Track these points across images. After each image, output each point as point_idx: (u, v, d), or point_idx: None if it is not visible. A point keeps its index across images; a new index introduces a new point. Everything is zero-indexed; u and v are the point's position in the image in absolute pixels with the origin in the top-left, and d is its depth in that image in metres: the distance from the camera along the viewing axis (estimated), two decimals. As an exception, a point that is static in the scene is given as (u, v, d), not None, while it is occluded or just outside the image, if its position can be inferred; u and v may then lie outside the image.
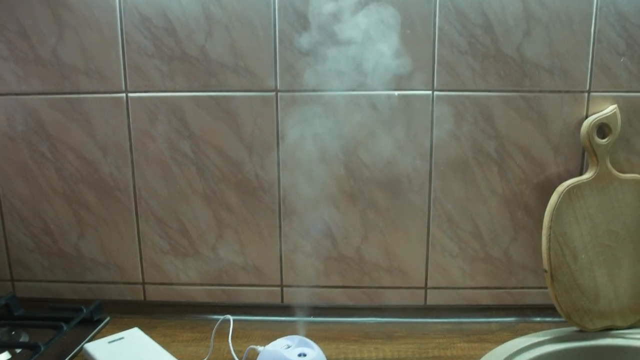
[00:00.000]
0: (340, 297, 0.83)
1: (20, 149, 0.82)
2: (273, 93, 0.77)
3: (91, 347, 0.69)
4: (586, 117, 0.76)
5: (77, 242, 0.85)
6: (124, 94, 0.79)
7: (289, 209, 0.80)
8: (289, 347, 0.52)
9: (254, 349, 0.57)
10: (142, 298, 0.87)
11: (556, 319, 0.79)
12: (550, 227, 0.73)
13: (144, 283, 0.86)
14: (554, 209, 0.73)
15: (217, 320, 0.70)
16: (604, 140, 0.75)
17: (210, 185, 0.81)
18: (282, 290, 0.84)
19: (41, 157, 0.82)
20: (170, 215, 0.82)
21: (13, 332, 0.77)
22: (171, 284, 0.85)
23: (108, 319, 0.82)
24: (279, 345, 0.53)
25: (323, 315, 0.82)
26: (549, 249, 0.73)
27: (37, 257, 0.86)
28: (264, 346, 0.54)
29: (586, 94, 0.75)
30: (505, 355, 0.69)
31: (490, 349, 0.71)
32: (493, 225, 0.80)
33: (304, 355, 0.51)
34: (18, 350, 0.71)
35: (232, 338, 0.67)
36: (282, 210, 0.80)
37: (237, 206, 0.81)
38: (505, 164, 0.78)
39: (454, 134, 0.77)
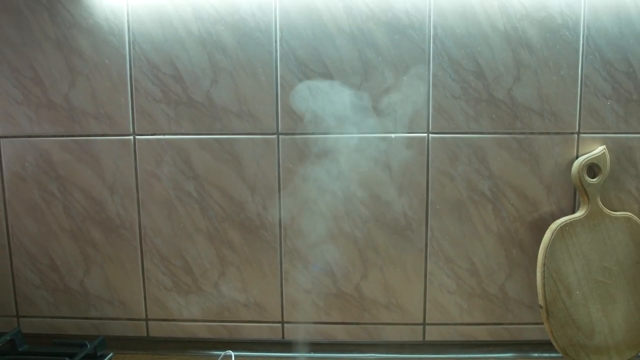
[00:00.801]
0: (340, 333, 0.90)
1: (31, 188, 0.90)
2: (275, 136, 0.85)
3: (96, 383, 0.75)
4: (576, 157, 0.83)
5: (83, 278, 0.92)
6: (131, 137, 0.87)
7: (290, 248, 0.87)
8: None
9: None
10: (145, 334, 0.93)
11: (553, 354, 0.85)
12: (544, 264, 0.80)
13: (147, 319, 0.92)
14: (548, 246, 0.80)
15: (219, 356, 0.76)
16: (594, 180, 0.82)
17: (213, 224, 0.88)
18: (282, 326, 0.90)
19: (50, 196, 0.90)
20: (174, 253, 0.89)
21: (18, 368, 0.83)
22: (174, 320, 0.92)
23: (111, 354, 0.88)
24: (280, 380, 0.59)
25: (323, 351, 0.88)
26: (543, 285, 0.79)
27: (43, 293, 0.93)
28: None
29: (576, 136, 0.83)
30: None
31: (489, 388, 0.77)
32: (489, 262, 0.87)
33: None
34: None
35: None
36: (283, 248, 0.87)
37: (239, 244, 0.88)
38: (499, 202, 0.85)
39: (449, 174, 0.84)
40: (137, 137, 0.87)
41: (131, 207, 0.88)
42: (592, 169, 0.82)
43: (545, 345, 0.86)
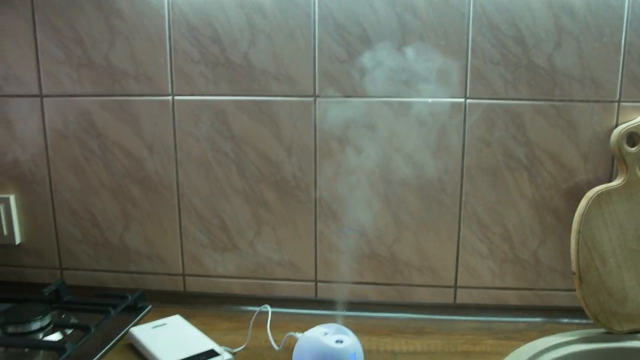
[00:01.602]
0: (372, 293, 0.98)
1: (72, 146, 0.98)
2: (312, 98, 0.91)
3: (136, 331, 0.85)
4: (616, 126, 0.87)
5: (122, 234, 1.01)
6: (170, 97, 0.94)
7: (325, 209, 0.95)
8: (326, 334, 0.66)
9: (292, 336, 0.70)
10: (182, 289, 1.02)
11: (583, 321, 0.91)
12: (579, 231, 0.85)
13: (184, 275, 1.01)
14: (583, 213, 0.85)
15: (254, 311, 0.84)
16: (633, 149, 0.86)
17: (250, 184, 0.95)
18: (316, 285, 0.98)
19: (91, 154, 0.98)
20: (211, 211, 0.97)
21: (63, 315, 0.93)
22: (210, 276, 1.01)
23: (150, 307, 0.97)
24: (316, 332, 0.66)
25: (355, 310, 0.96)
26: (577, 252, 0.85)
27: (85, 247, 1.03)
28: (302, 333, 0.68)
29: (616, 104, 0.87)
30: (532, 353, 0.80)
31: (518, 347, 0.82)
32: (522, 229, 0.92)
33: (341, 342, 0.64)
34: (69, 332, 0.87)
35: (269, 328, 0.82)
36: (318, 209, 0.95)
37: (275, 205, 0.95)
38: (535, 169, 0.90)
39: (485, 139, 0.89)
40: (175, 97, 0.93)
41: (169, 166, 0.96)
42: (632, 137, 0.86)
43: (575, 312, 0.92)
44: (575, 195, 0.90)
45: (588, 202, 0.85)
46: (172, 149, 0.96)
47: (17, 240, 1.03)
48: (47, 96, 0.97)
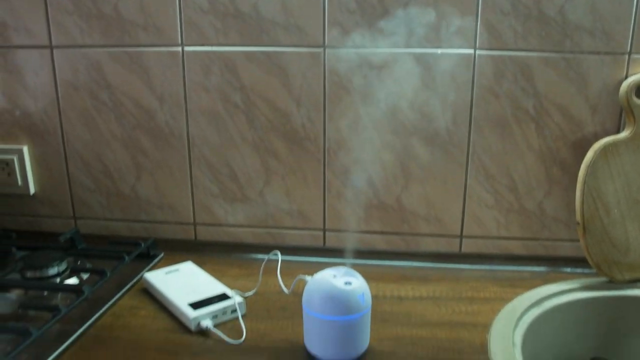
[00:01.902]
0: (379, 242, 1.00)
1: (83, 97, 0.99)
2: (321, 49, 0.91)
3: (150, 276, 0.87)
4: (625, 77, 0.87)
5: (134, 184, 1.03)
6: (180, 48, 0.94)
7: (334, 159, 0.96)
8: (335, 276, 0.68)
9: (302, 279, 0.72)
10: (193, 237, 1.05)
11: (586, 270, 0.93)
12: (584, 182, 0.86)
13: (195, 224, 1.03)
14: (589, 164, 0.86)
15: (264, 259, 0.86)
16: (641, 100, 0.86)
17: (259, 134, 0.96)
18: (324, 234, 1.00)
19: (102, 105, 0.99)
20: (221, 161, 0.99)
21: (79, 262, 0.95)
22: (220, 225, 1.03)
23: (162, 254, 1.00)
24: (325, 274, 0.68)
25: (363, 258, 0.98)
26: (582, 202, 0.86)
27: (97, 197, 1.04)
28: (311, 276, 0.69)
29: (627, 56, 0.87)
30: (535, 299, 0.82)
31: (522, 293, 0.84)
32: (528, 179, 0.93)
33: (350, 283, 0.66)
34: (85, 277, 0.90)
35: (279, 271, 0.84)
36: (326, 159, 0.96)
37: (284, 155, 0.97)
38: (542, 121, 0.90)
39: (494, 91, 0.90)
40: (185, 48, 0.94)
41: (180, 117, 0.97)
42: (641, 89, 0.86)
43: (578, 262, 0.94)
44: (582, 147, 0.90)
45: (595, 154, 0.86)
46: (182, 100, 0.97)
47: (32, 191, 1.05)
48: (56, 47, 0.97)
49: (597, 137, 0.89)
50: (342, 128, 0.94)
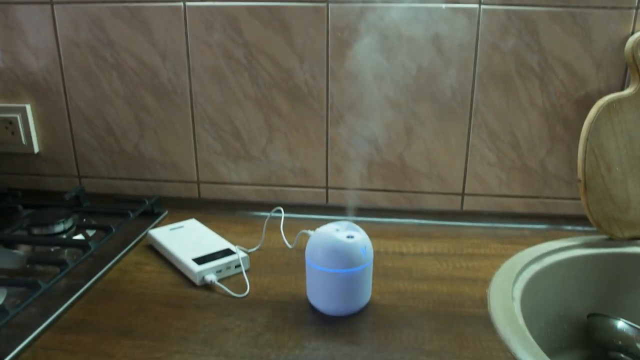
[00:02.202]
0: (381, 200, 1.00)
1: (85, 54, 0.98)
2: (324, 4, 0.90)
3: (155, 232, 0.88)
4: (632, 33, 0.86)
5: (138, 142, 1.03)
6: (181, 3, 0.93)
7: (337, 116, 0.95)
8: (338, 230, 0.68)
9: (305, 233, 0.73)
10: (197, 195, 1.05)
11: (586, 228, 0.93)
12: (587, 139, 0.85)
13: (198, 182, 1.04)
14: (593, 121, 0.85)
15: (267, 216, 0.87)
16: (647, 57, 0.85)
17: (262, 91, 0.96)
18: (327, 191, 1.01)
19: (104, 62, 0.98)
20: (224, 119, 0.98)
21: (84, 219, 0.96)
22: (224, 183, 1.03)
23: (166, 212, 1.01)
24: (328, 228, 0.68)
25: (365, 216, 0.98)
26: (584, 159, 0.86)
27: (101, 155, 1.05)
28: (314, 230, 0.70)
29: (634, 11, 0.85)
30: (536, 255, 0.83)
31: (522, 250, 0.85)
32: (531, 137, 0.93)
33: (352, 237, 0.67)
34: (91, 233, 0.91)
35: (282, 227, 0.85)
36: (329, 116, 0.96)
37: (287, 112, 0.96)
38: (547, 77, 0.90)
39: (498, 47, 0.89)
40: (187, 3, 0.93)
41: (182, 74, 0.97)
42: (647, 45, 0.85)
43: (579, 220, 0.95)
44: (585, 105, 0.90)
45: (598, 110, 0.85)
46: (185, 57, 0.96)
47: (36, 149, 1.06)
48: (57, 2, 0.96)
49: (601, 95, 0.88)
50: (345, 85, 0.93)
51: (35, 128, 1.05)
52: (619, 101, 0.86)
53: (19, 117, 1.03)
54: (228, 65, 0.95)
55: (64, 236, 0.88)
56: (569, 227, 0.95)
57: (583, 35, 0.87)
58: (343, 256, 0.65)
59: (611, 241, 0.89)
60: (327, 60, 0.92)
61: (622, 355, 0.81)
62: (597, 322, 0.84)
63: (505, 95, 0.91)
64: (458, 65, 0.90)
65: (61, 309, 0.69)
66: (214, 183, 1.04)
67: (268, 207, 0.99)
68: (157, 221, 0.97)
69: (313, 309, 0.70)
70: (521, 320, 0.68)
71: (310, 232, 0.71)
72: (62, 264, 0.74)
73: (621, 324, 0.81)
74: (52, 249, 0.85)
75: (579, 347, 0.90)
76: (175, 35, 0.95)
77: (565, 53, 0.88)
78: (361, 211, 0.99)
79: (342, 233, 0.68)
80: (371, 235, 0.71)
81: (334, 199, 1.01)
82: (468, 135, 0.94)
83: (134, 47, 0.96)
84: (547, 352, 0.69)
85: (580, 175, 0.86)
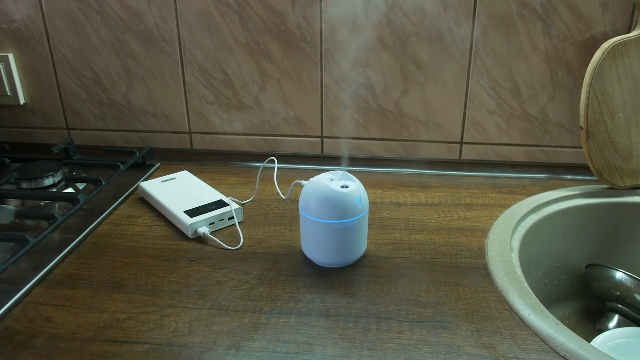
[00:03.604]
0: (377, 149, 0.98)
1: (68, -1, 0.94)
2: (317, -58, 0.85)
3: (146, 185, 0.87)
4: (640, -29, 0.82)
5: (127, 92, 1.00)
6: (167, -57, 0.88)
7: (331, 61, 0.92)
8: (332, 180, 0.66)
9: (299, 183, 0.71)
10: (189, 146, 1.03)
11: (587, 178, 0.92)
12: (590, 85, 0.83)
13: (190, 132, 1.02)
14: (597, 66, 0.82)
15: (259, 167, 0.85)
16: (657, -4, 0.81)
17: (253, 36, 0.92)
18: (322, 141, 0.99)
19: (88, 7, 0.94)
20: (214, 66, 0.95)
21: (74, 173, 0.95)
22: (216, 133, 1.01)
23: (158, 164, 0.99)
24: (322, 178, 0.67)
25: (361, 166, 0.97)
26: (587, 106, 0.83)
27: (90, 106, 1.02)
28: (308, 180, 0.68)
29: (644, -54, 0.81)
30: (535, 205, 0.82)
31: (521, 200, 0.84)
32: (533, 83, 0.90)
33: (347, 187, 0.65)
34: (81, 187, 0.89)
35: (275, 177, 0.83)
36: (324, 62, 0.92)
37: (280, 58, 0.93)
38: (550, 20, 0.86)
39: (500, -13, 0.85)
40: (172, -57, 0.88)
41: (170, 19, 0.93)
42: (657, -17, 0.81)
43: (579, 169, 0.93)
44: (590, 48, 0.87)
45: (603, 54, 0.82)
46: (172, 0, 0.92)
47: (22, 101, 1.03)
48: (36, -56, 0.91)
49: (606, 38, 0.85)
50: (339, 28, 0.90)
51: (20, 79, 1.01)
52: (625, 44, 0.82)
53: (1, 67, 1.00)
54: (217, 9, 0.91)
55: (54, 190, 0.86)
56: (569, 177, 0.94)
57: (589, -26, 0.83)
58: (337, 207, 0.64)
59: (612, 190, 0.88)
60: (320, 2, 0.88)
61: (620, 306, 0.81)
62: (595, 272, 0.83)
63: (506, 39, 0.88)
64: (457, 6, 0.87)
65: (52, 264, 0.68)
66: (206, 134, 1.01)
67: (262, 157, 0.98)
68: (149, 173, 0.95)
69: (307, 261, 0.69)
70: (519, 272, 0.67)
71: (304, 183, 0.69)
72: (51, 218, 0.73)
73: (620, 274, 0.80)
74: (42, 203, 0.83)
75: (577, 298, 0.90)
76: (161, -23, 0.90)
77: (571, -7, 0.85)
78: (357, 161, 0.97)
79: (337, 183, 0.66)
80: (367, 185, 0.70)
81: (330, 148, 0.99)
82: (467, 81, 0.91)
83: (118, -9, 0.92)
84: (545, 303, 0.69)
85: (582, 122, 0.84)
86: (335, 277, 0.66)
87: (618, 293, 0.81)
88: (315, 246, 0.67)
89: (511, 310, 0.60)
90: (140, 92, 0.99)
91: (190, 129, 1.01)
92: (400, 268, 0.68)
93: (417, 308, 0.60)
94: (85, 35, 0.96)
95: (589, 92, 0.83)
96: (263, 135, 1.00)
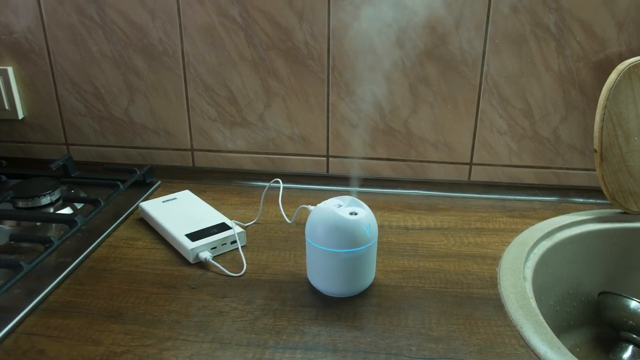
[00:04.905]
0: (385, 170, 0.95)
1: (69, 11, 0.92)
2: (325, -42, 0.83)
3: (146, 205, 0.84)
4: (658, -10, 0.80)
5: (128, 107, 0.97)
6: (171, -44, 0.86)
7: (338, 79, 0.90)
8: (340, 206, 0.64)
9: (305, 208, 0.69)
10: (191, 164, 1.01)
11: (599, 201, 0.89)
12: (605, 107, 0.80)
13: (192, 149, 0.99)
14: (612, 87, 0.80)
15: (265, 186, 0.82)
16: (674, 16, 0.79)
17: (258, 52, 0.90)
18: (327, 160, 0.96)
19: (90, 20, 0.92)
20: (218, 82, 0.93)
21: (72, 191, 0.92)
22: (219, 151, 0.98)
23: (159, 182, 0.96)
24: (330, 204, 0.64)
25: (367, 186, 0.94)
26: (601, 128, 0.81)
27: (90, 122, 0.99)
28: (315, 206, 0.66)
29: (661, -35, 0.79)
30: (547, 230, 0.80)
31: (532, 224, 0.82)
32: (545, 103, 0.88)
33: (355, 214, 0.63)
34: (79, 206, 0.86)
35: (280, 200, 0.80)
36: (330, 79, 0.90)
37: (285, 75, 0.91)
38: (564, 39, 0.84)
39: (513, 5, 0.83)
40: (176, -44, 0.86)
41: (173, 33, 0.90)
42: (674, 3, 0.79)
43: (591, 192, 0.91)
44: (604, 69, 0.84)
45: (618, 75, 0.80)
46: (176, 14, 0.89)
47: (21, 115, 1.00)
48: (37, -45, 0.89)
49: (621, 58, 0.83)
50: (347, 46, 0.87)
51: (19, 92, 0.99)
52: (641, 66, 0.80)
53: (0, 80, 0.97)
54: (222, 24, 0.89)
55: (51, 209, 0.83)
56: (581, 200, 0.91)
57: (605, -7, 0.81)
58: (346, 235, 0.61)
59: (625, 215, 0.85)
60: (328, 18, 0.86)
61: (634, 336, 0.78)
62: (608, 300, 0.81)
63: (518, 58, 0.86)
64: (469, 25, 0.84)
65: (46, 290, 0.65)
66: (208, 151, 0.99)
67: (266, 176, 0.95)
68: (149, 192, 0.93)
69: (313, 290, 0.66)
70: (533, 303, 0.64)
71: (311, 207, 0.66)
72: (46, 242, 0.70)
73: (635, 303, 0.78)
74: (38, 224, 0.81)
75: (588, 325, 0.87)
76: (164, -9, 0.88)
77: (585, 12, 0.82)
78: (364, 181, 0.95)
79: (345, 209, 0.63)
80: (374, 207, 0.67)
81: (335, 168, 0.97)
82: (478, 101, 0.89)
83: (120, 3, 0.90)
84: (556, 330, 0.66)
85: (596, 145, 0.81)
86: (342, 308, 0.63)
87: (632, 323, 0.78)
88: (322, 275, 0.64)
89: (526, 346, 0.57)
90: (142, 107, 0.97)
91: (192, 146, 0.99)
92: (409, 298, 0.65)
93: (428, 343, 0.58)
94: (87, 49, 0.94)
95: (604, 114, 0.80)
96: (267, 153, 0.97)
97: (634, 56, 0.82)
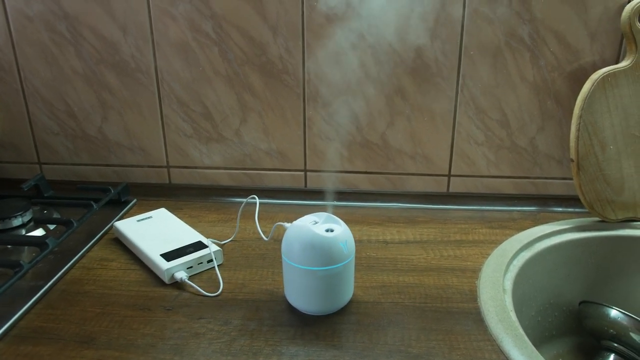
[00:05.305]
0: (363, 183, 0.95)
1: (39, 29, 0.90)
2: (298, -28, 0.83)
3: (121, 225, 0.82)
4: (629, 1, 0.81)
5: (101, 125, 0.96)
6: (142, -29, 0.85)
7: (314, 93, 0.89)
8: (316, 223, 0.63)
9: (281, 225, 0.68)
10: (167, 181, 0.99)
11: (577, 210, 0.89)
12: (580, 116, 0.81)
13: (168, 166, 0.98)
14: (587, 97, 0.81)
15: (241, 203, 0.81)
16: (645, 26, 0.80)
17: (233, 67, 0.89)
18: (305, 175, 0.95)
19: (60, 37, 0.90)
20: (193, 98, 0.92)
21: (45, 211, 0.90)
22: (195, 167, 0.97)
23: (135, 200, 0.95)
24: (306, 221, 0.63)
25: (346, 200, 0.94)
26: (577, 138, 0.81)
27: (62, 140, 0.98)
28: (291, 223, 0.65)
29: (631, -24, 0.80)
30: (526, 241, 0.80)
31: (512, 235, 0.82)
32: (521, 114, 0.88)
33: (332, 230, 0.62)
34: (52, 227, 0.85)
35: (257, 218, 0.80)
36: (306, 94, 0.89)
37: (261, 89, 0.90)
38: (538, 50, 0.84)
39: (487, 16, 0.83)
40: (148, -29, 0.85)
41: (146, 49, 0.90)
42: (645, 14, 0.80)
43: (570, 201, 0.91)
44: (578, 79, 0.85)
45: (592, 85, 0.81)
46: (148, 30, 0.88)
47: (-9, 133, 0.99)
48: (5, -28, 0.88)
49: (595, 67, 0.84)
50: (322, 60, 0.87)
51: (-11, 110, 0.97)
52: (614, 75, 0.81)
53: (-31, 98, 0.96)
54: (195, 40, 0.88)
55: (23, 231, 0.82)
56: (560, 209, 0.91)
57: (577, 4, 0.81)
58: (322, 252, 0.60)
59: (603, 223, 0.86)
60: (302, 32, 0.86)
61: (615, 344, 0.78)
62: (589, 310, 0.81)
63: (493, 69, 0.86)
64: (444, 37, 0.85)
65: (16, 316, 0.63)
66: (184, 167, 0.97)
67: (243, 192, 0.94)
68: (124, 210, 0.91)
69: (291, 308, 0.65)
70: (513, 316, 0.64)
71: (287, 225, 0.65)
72: (16, 266, 0.68)
73: (614, 312, 0.78)
74: (9, 247, 0.79)
75: (570, 335, 0.87)
76: (136, 5, 0.87)
77: (558, 23, 0.83)
78: (342, 195, 0.94)
79: (321, 226, 0.63)
80: (353, 221, 0.67)
81: (313, 182, 0.96)
82: (454, 113, 0.89)
83: (91, 20, 0.89)
84: (538, 341, 0.66)
85: (572, 154, 0.82)
86: (320, 326, 0.62)
87: (613, 331, 0.78)
88: (299, 293, 0.63)
89: (507, 361, 0.57)
90: (116, 124, 0.96)
91: (168, 162, 0.97)
92: (389, 314, 0.64)
93: (408, 360, 0.57)
94: (58, 66, 0.92)
95: (579, 123, 0.81)
96: (244, 169, 0.96)
97: (607, 65, 0.83)
